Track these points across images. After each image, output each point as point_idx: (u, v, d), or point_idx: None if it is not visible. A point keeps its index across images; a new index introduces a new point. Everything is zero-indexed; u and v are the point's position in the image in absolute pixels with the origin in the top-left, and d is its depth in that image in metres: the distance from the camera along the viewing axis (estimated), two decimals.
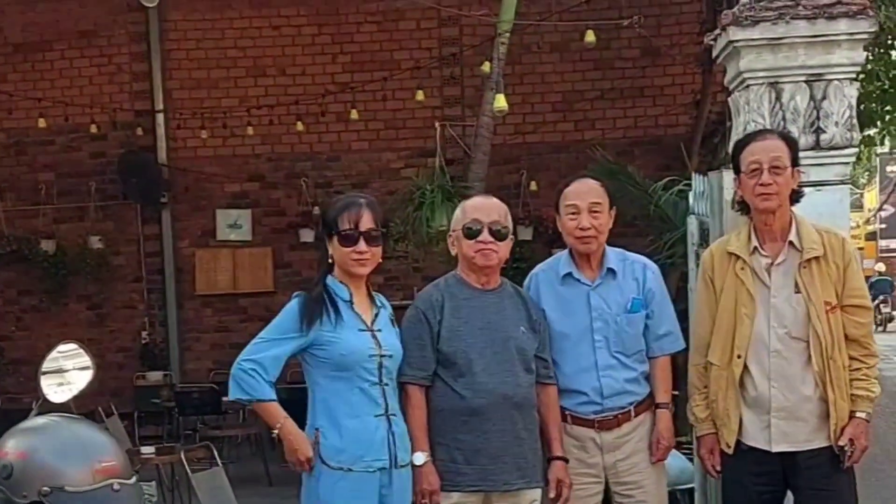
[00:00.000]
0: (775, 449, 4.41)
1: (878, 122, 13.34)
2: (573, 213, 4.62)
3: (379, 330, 4.33)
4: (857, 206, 38.80)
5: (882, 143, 16.26)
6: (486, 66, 8.49)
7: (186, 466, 7.17)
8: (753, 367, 4.41)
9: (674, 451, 5.90)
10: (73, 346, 3.63)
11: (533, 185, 12.78)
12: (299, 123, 13.09)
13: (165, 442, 10.29)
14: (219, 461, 7.34)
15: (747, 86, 4.98)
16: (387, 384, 4.28)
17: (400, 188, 9.11)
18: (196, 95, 13.49)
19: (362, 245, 4.27)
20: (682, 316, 4.89)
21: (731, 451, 4.50)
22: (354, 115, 12.72)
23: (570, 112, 13.23)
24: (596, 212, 4.61)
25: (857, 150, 5.11)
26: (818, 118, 4.93)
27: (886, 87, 12.36)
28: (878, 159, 35.42)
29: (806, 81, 4.93)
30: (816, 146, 4.91)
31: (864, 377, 4.40)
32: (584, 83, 13.21)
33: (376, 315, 4.37)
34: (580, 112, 13.22)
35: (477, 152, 8.14)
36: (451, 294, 4.51)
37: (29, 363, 12.26)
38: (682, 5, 12.70)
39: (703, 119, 12.03)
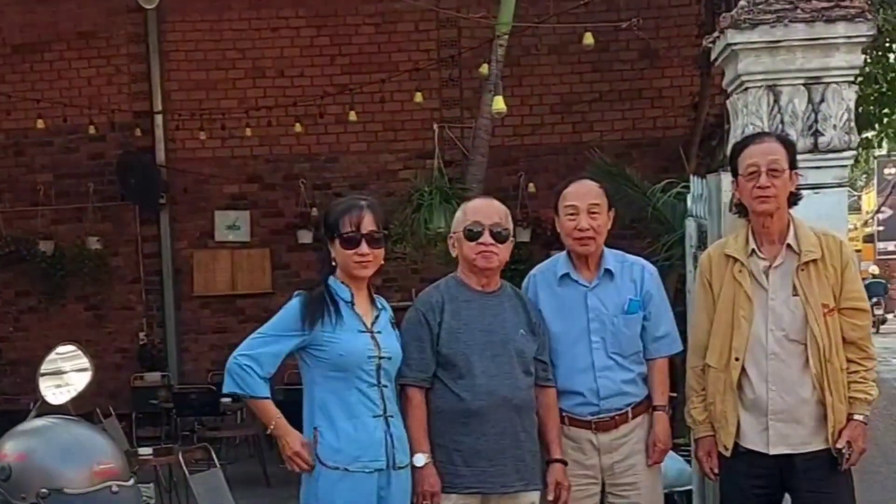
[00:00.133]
0: (773, 451, 4.41)
1: (876, 125, 13.34)
2: (572, 214, 4.62)
3: (379, 332, 4.33)
4: (855, 208, 38.79)
5: (880, 146, 16.26)
6: (485, 69, 8.50)
7: (184, 467, 7.16)
8: (751, 370, 4.41)
9: (672, 452, 5.90)
10: (71, 347, 3.62)
11: (531, 187, 12.80)
12: (298, 125, 13.10)
13: (163, 443, 10.30)
14: (217, 462, 7.33)
15: (745, 88, 4.99)
16: (385, 386, 4.28)
17: (398, 190, 9.13)
18: (194, 97, 13.51)
19: (364, 247, 4.27)
20: (680, 318, 4.89)
21: (728, 454, 4.50)
22: (353, 116, 12.73)
23: (568, 114, 13.25)
24: (594, 213, 4.61)
25: (855, 152, 5.12)
26: (816, 121, 4.93)
27: (884, 89, 12.36)
28: (875, 162, 35.44)
29: (804, 84, 4.94)
30: (814, 149, 4.92)
31: (861, 380, 4.40)
32: (582, 85, 13.23)
33: (377, 317, 4.38)
34: (578, 114, 13.24)
35: (475, 154, 8.15)
36: (452, 296, 4.51)
37: (27, 364, 12.28)
38: (681, 8, 12.71)
39: (701, 121, 12.05)
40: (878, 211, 38.87)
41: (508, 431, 4.42)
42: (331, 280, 4.35)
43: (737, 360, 4.41)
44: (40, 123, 13.06)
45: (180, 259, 13.77)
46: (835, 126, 4.92)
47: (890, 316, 34.04)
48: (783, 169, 4.35)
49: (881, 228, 39.71)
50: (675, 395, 5.14)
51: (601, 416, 4.62)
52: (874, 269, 34.98)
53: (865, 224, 40.38)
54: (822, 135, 4.93)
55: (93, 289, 13.74)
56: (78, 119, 13.31)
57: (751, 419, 4.45)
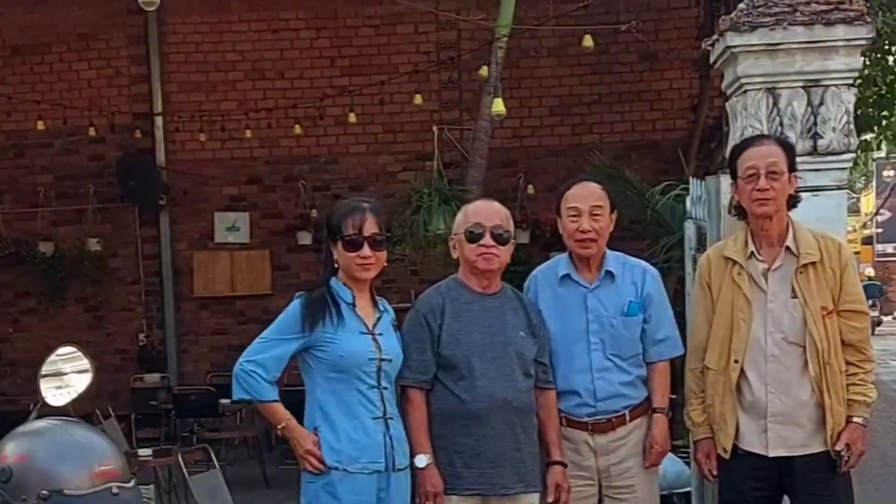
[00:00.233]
0: (772, 454, 4.42)
1: (875, 127, 13.37)
2: (574, 216, 4.63)
3: (380, 334, 4.33)
4: (854, 210, 38.81)
5: (879, 148, 16.29)
6: (484, 71, 8.50)
7: (184, 468, 7.17)
8: (750, 372, 4.42)
9: (671, 454, 5.91)
10: (72, 349, 3.62)
11: (530, 189, 12.80)
12: (297, 127, 13.11)
13: (163, 444, 10.32)
14: (216, 463, 7.33)
15: (745, 91, 5.00)
16: (385, 388, 4.29)
17: (397, 191, 9.12)
18: (194, 98, 13.51)
19: (366, 250, 4.28)
20: (679, 320, 4.89)
21: (727, 456, 4.50)
22: (352, 118, 12.73)
23: (567, 116, 13.26)
24: (596, 215, 4.61)
25: (854, 155, 5.12)
26: (815, 123, 4.94)
27: (883, 92, 12.39)
28: (874, 164, 35.47)
29: (803, 87, 4.95)
30: (814, 151, 4.93)
31: (860, 382, 4.41)
32: (581, 87, 13.23)
33: (378, 319, 4.38)
34: (578, 116, 13.25)
35: (474, 156, 8.15)
36: (452, 298, 4.51)
37: (26, 365, 12.29)
38: (680, 10, 12.72)
39: (700, 124, 12.07)
40: (876, 213, 38.89)
41: (508, 433, 4.43)
42: (333, 281, 4.36)
43: (736, 362, 4.42)
44: (40, 125, 13.06)
45: (180, 260, 13.78)
46: (834, 129, 4.93)
47: (888, 318, 34.09)
48: (782, 171, 4.35)
49: (880, 230, 39.77)
50: (674, 396, 5.14)
51: (598, 417, 4.62)
52: (870, 272, 35.03)
53: (864, 226, 40.41)
54: (822, 137, 4.93)
55: (92, 290, 13.75)
56: (78, 121, 13.31)
57: (750, 421, 4.45)
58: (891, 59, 12.20)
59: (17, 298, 13.92)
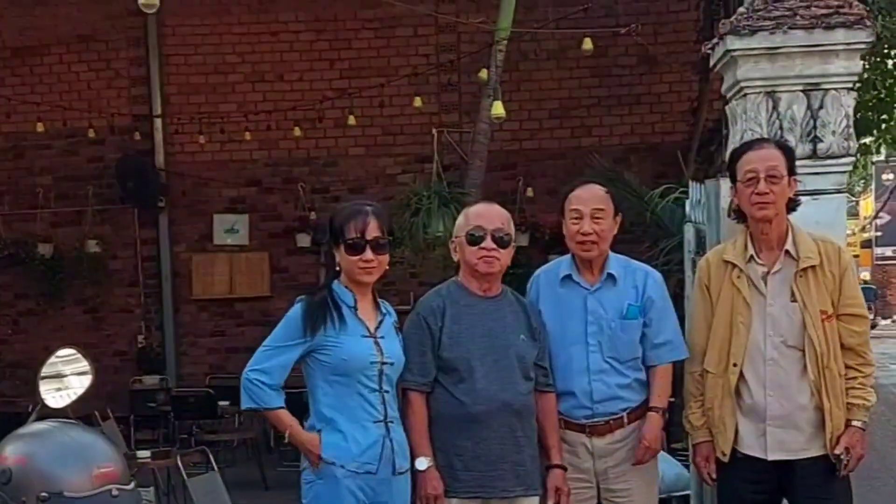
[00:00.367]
0: (771, 457, 4.42)
1: (874, 131, 13.39)
2: (576, 218, 4.63)
3: (382, 337, 4.34)
4: (853, 213, 38.81)
5: (878, 152, 16.33)
6: (484, 73, 8.51)
7: (182, 471, 7.17)
8: (749, 376, 4.42)
9: (670, 458, 5.92)
10: (71, 351, 3.63)
11: (529, 192, 12.81)
12: (297, 129, 13.12)
13: (161, 446, 10.29)
14: (214, 465, 7.32)
15: (744, 94, 5.00)
16: (387, 391, 4.30)
17: (397, 194, 9.12)
18: (194, 100, 13.51)
19: (369, 254, 4.28)
20: (678, 323, 4.89)
21: (726, 459, 4.50)
22: (352, 120, 12.74)
23: (566, 119, 13.26)
24: (598, 218, 4.60)
25: (853, 159, 5.12)
26: (815, 127, 4.94)
27: (882, 95, 12.42)
28: (873, 167, 35.47)
29: (803, 91, 4.95)
30: (813, 155, 4.93)
31: (860, 386, 4.41)
32: (581, 90, 13.24)
33: (380, 322, 4.38)
34: (577, 119, 13.25)
35: (474, 159, 8.15)
36: (453, 300, 4.51)
37: (25, 367, 12.28)
38: (679, 13, 12.73)
39: (699, 127, 12.07)
40: (875, 216, 38.89)
41: (508, 436, 4.43)
42: (335, 284, 4.36)
43: (735, 365, 4.42)
44: (40, 126, 13.05)
45: (179, 262, 13.78)
46: (833, 132, 4.94)
47: (886, 321, 34.12)
48: (782, 175, 4.36)
49: (879, 234, 39.76)
50: (673, 399, 5.14)
51: (595, 419, 4.61)
52: (865, 275, 35.05)
53: (863, 229, 40.41)
54: (821, 141, 4.94)
55: (91, 291, 13.75)
56: (77, 122, 13.32)
57: (749, 425, 4.45)
58: (890, 62, 12.23)
59: (17, 300, 13.92)
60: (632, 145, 13.05)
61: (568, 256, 4.77)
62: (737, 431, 4.46)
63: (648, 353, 4.65)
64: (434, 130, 9.54)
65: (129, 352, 13.73)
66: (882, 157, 26.63)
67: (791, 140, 4.86)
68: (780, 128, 4.94)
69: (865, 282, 33.34)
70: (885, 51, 11.45)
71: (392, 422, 4.30)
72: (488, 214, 4.55)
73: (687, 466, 5.60)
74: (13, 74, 13.64)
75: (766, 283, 4.42)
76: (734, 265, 4.46)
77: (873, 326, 28.80)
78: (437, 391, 4.46)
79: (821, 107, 4.94)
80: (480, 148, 8.12)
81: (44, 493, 2.78)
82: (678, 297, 5.47)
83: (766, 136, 4.86)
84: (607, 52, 12.16)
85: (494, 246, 4.46)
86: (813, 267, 4.38)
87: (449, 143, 9.79)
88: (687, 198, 5.93)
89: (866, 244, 39.94)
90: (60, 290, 13.62)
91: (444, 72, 12.94)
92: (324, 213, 12.73)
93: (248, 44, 13.43)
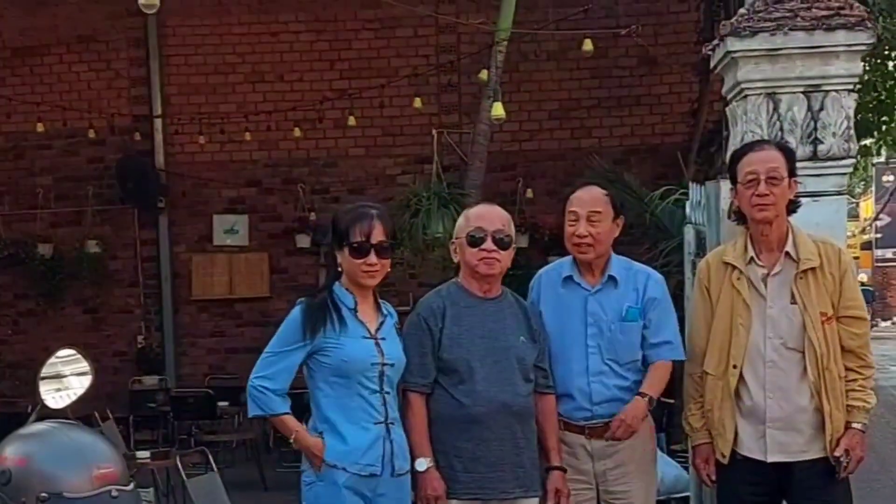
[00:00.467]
0: (770, 459, 4.42)
1: (875, 133, 13.40)
2: (573, 220, 4.63)
3: (383, 338, 4.33)
4: (853, 215, 38.81)
5: (878, 153, 16.36)
6: (484, 74, 8.50)
7: (181, 471, 7.16)
8: (749, 378, 4.42)
9: (669, 459, 5.92)
10: (71, 351, 3.63)
11: (529, 193, 12.82)
12: (297, 129, 13.12)
13: (160, 446, 10.29)
14: (214, 466, 7.31)
15: (745, 96, 5.00)
16: (388, 392, 4.29)
17: (396, 195, 9.12)
18: (194, 101, 13.51)
19: (373, 257, 4.27)
20: (678, 325, 4.88)
21: (726, 461, 4.50)
22: (352, 121, 12.74)
23: (566, 120, 13.26)
24: (594, 220, 4.59)
25: (854, 160, 5.13)
26: (816, 129, 4.94)
27: (883, 97, 12.42)
28: (873, 169, 35.50)
29: (804, 92, 4.95)
30: (814, 157, 4.93)
31: (859, 388, 4.41)
32: (581, 91, 13.24)
33: (381, 323, 4.38)
34: (577, 120, 13.25)
35: (474, 160, 8.15)
36: (453, 301, 4.51)
37: (25, 367, 12.28)
38: (680, 14, 12.72)
39: (699, 128, 12.07)
40: (875, 218, 38.90)
41: (508, 438, 4.43)
42: (335, 286, 4.35)
43: (735, 367, 4.42)
44: (40, 127, 13.05)
45: (179, 263, 13.78)
46: (834, 134, 4.94)
47: (886, 323, 34.13)
48: (782, 177, 4.35)
49: (879, 236, 39.76)
50: (672, 401, 5.13)
51: (594, 421, 4.60)
52: (862, 277, 35.06)
53: (863, 231, 40.41)
54: (822, 143, 4.94)
55: (91, 292, 13.75)
56: (77, 122, 13.32)
57: (748, 427, 4.45)
58: (891, 64, 12.24)
59: (16, 300, 13.92)
60: (632, 146, 13.05)
61: (570, 257, 4.76)
62: (736, 433, 4.46)
63: (647, 352, 4.64)
64: (434, 131, 9.54)
65: (128, 352, 13.73)
66: (882, 159, 26.67)
67: (791, 142, 4.86)
68: (781, 129, 4.94)
69: (863, 284, 33.33)
70: (886, 52, 11.46)
71: (392, 423, 4.30)
72: (489, 216, 4.55)
73: (686, 468, 5.60)
74: (13, 74, 13.64)
75: (766, 285, 4.42)
76: (734, 267, 4.46)
77: (871, 328, 28.83)
78: (437, 392, 4.46)
79: (821, 108, 4.94)
80: (480, 149, 8.11)
81: (43, 494, 2.78)
82: (678, 299, 5.47)
83: (766, 137, 4.86)
84: (607, 53, 12.16)
85: (495, 247, 4.46)
86: (813, 269, 4.37)
87: (449, 144, 9.79)
88: (687, 199, 5.93)
89: (866, 246, 39.93)
90: (60, 290, 13.62)
91: (444, 73, 12.94)
92: (323, 214, 12.76)
93: (248, 44, 13.43)
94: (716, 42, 5.18)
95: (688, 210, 5.81)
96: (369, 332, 4.31)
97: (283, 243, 13.52)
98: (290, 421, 4.30)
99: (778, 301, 4.40)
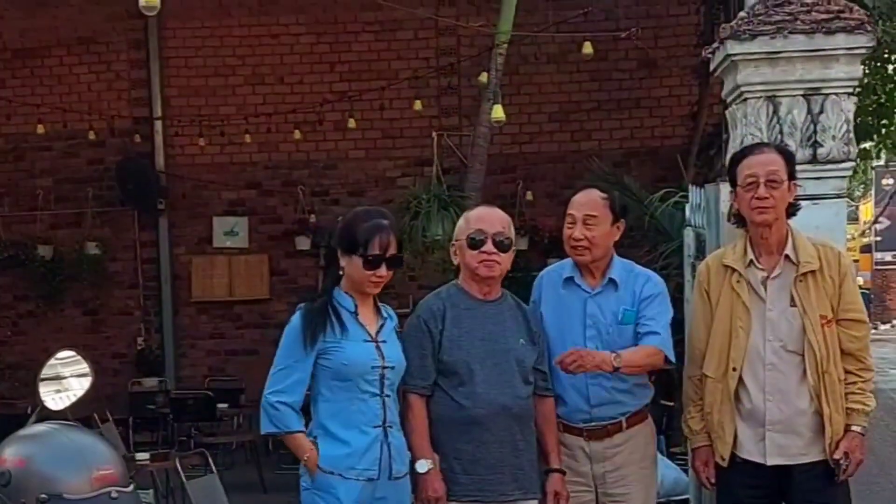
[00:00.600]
0: (770, 462, 4.42)
1: (875, 136, 13.41)
2: (570, 223, 4.63)
3: (384, 341, 4.33)
4: (853, 218, 38.78)
5: (878, 157, 16.35)
6: (484, 77, 8.52)
7: (181, 473, 7.16)
8: (748, 380, 4.42)
9: (669, 462, 5.92)
10: (71, 353, 3.64)
11: (529, 195, 12.82)
12: (297, 132, 13.13)
13: (160, 448, 10.29)
14: (213, 468, 7.32)
15: (745, 99, 5.00)
16: (388, 395, 4.29)
17: (396, 197, 9.13)
18: (194, 103, 13.52)
19: (383, 269, 4.27)
20: (678, 327, 4.89)
21: (725, 464, 4.50)
22: (352, 123, 12.76)
23: (566, 123, 13.26)
24: (590, 224, 4.59)
25: (854, 163, 5.12)
26: (815, 132, 4.95)
27: (883, 100, 12.43)
28: (873, 172, 35.48)
29: (803, 95, 4.95)
30: (813, 160, 4.93)
31: (859, 391, 4.41)
32: (580, 94, 13.24)
33: (381, 326, 4.37)
34: (577, 123, 13.26)
35: (473, 162, 8.16)
36: (453, 304, 4.51)
37: (24, 368, 12.30)
38: (680, 17, 12.74)
39: (699, 131, 12.08)
40: (875, 221, 38.86)
41: (507, 440, 4.42)
42: (335, 290, 4.35)
43: (734, 370, 4.42)
44: (40, 128, 13.07)
45: (178, 265, 13.78)
46: (834, 137, 4.94)
47: (885, 326, 34.12)
48: (782, 180, 4.35)
49: (878, 239, 39.72)
50: (672, 404, 5.13)
51: (593, 423, 4.61)
52: (860, 279, 35.03)
53: (863, 234, 40.39)
54: (821, 146, 4.94)
55: (91, 294, 13.75)
56: (78, 124, 13.34)
57: (748, 429, 4.45)
58: (890, 67, 12.25)
59: (16, 301, 13.92)
60: (631, 149, 13.06)
61: (571, 259, 4.77)
62: (736, 436, 4.46)
63: (636, 341, 4.55)
64: (434, 134, 9.55)
65: (128, 354, 13.73)
66: (882, 162, 26.67)
67: (791, 145, 4.87)
68: (781, 132, 4.94)
69: (860, 287, 33.27)
70: (886, 56, 11.46)
71: (391, 426, 4.29)
72: (489, 218, 4.55)
73: (686, 471, 5.60)
74: (14, 76, 13.66)
75: (765, 288, 4.42)
76: (734, 270, 4.46)
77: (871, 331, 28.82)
78: (437, 394, 4.45)
79: (821, 111, 4.94)
80: (480, 151, 8.12)
81: (43, 495, 2.78)
82: (677, 301, 5.48)
83: (766, 140, 4.86)
84: (607, 55, 12.17)
85: (495, 250, 4.45)
86: (813, 272, 4.37)
87: (449, 147, 9.79)
88: (687, 202, 5.93)
89: (866, 249, 39.89)
90: (60, 292, 13.63)
91: (444, 75, 12.95)
92: (323, 216, 12.77)
93: (248, 46, 13.44)
94: (715, 45, 5.18)
95: (687, 213, 5.81)
96: (370, 335, 4.31)
97: (283, 245, 13.52)
98: (304, 440, 4.26)
99: (777, 304, 4.40)
